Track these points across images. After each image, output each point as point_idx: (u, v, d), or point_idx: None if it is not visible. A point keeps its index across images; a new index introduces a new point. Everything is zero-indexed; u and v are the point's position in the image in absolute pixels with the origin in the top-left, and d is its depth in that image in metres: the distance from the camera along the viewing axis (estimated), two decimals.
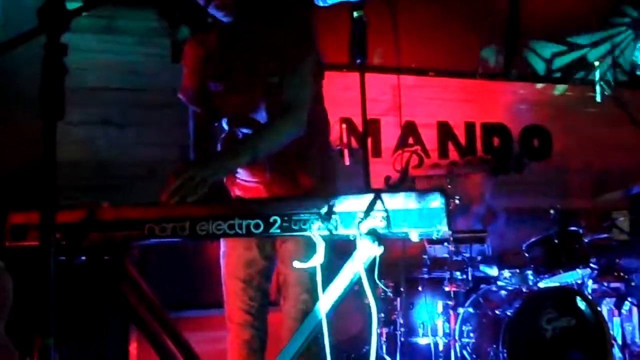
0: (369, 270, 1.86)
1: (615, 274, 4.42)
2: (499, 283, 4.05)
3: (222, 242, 2.14)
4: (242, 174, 2.10)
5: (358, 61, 2.24)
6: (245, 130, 2.09)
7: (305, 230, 1.38)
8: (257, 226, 1.40)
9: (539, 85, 5.48)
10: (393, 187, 4.91)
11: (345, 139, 4.51)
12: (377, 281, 1.49)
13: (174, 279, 3.07)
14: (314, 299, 1.93)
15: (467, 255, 4.09)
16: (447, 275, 3.94)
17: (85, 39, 4.46)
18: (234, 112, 2.08)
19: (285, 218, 1.38)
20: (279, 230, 1.42)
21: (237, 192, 2.16)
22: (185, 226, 1.39)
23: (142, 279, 1.62)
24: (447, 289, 3.90)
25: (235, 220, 1.38)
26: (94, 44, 4.47)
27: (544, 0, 5.27)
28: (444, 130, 5.31)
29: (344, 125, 4.69)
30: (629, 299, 4.22)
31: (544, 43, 5.39)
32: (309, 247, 1.93)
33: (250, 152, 1.81)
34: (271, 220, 1.40)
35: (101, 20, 4.49)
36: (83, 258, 1.47)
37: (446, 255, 4.02)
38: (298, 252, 1.96)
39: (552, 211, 4.11)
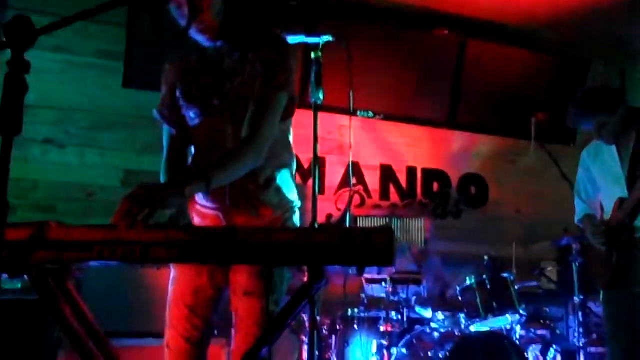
0: (312, 303, 1.90)
1: (542, 321, 4.59)
2: (433, 325, 4.12)
3: (173, 267, 2.11)
4: (202, 200, 2.08)
5: (313, 100, 2.32)
6: (211, 156, 2.08)
7: (255, 260, 1.40)
8: (208, 253, 1.41)
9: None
10: (335, 225, 4.96)
11: None
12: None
13: (109, 306, 3.00)
14: None
15: (404, 296, 4.16)
16: (383, 315, 3.99)
17: (31, 56, 4.38)
18: (203, 137, 2.08)
19: (237, 247, 1.40)
20: (227, 259, 1.44)
21: (195, 218, 2.13)
22: (136, 250, 1.39)
23: (84, 303, 1.60)
24: (382, 328, 3.95)
25: (186, 247, 1.39)
26: (41, 61, 4.39)
27: (489, 55, 5.54)
28: (387, 173, 5.45)
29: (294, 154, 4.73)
30: (554, 346, 4.37)
31: None
32: (261, 279, 1.95)
33: (204, 181, 1.79)
34: (221, 248, 1.41)
35: (51, 38, 4.42)
36: (26, 277, 1.45)
37: (383, 295, 4.08)
38: (250, 283, 1.96)
39: (486, 257, 4.25)
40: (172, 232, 1.40)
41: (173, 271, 2.10)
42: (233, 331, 2.00)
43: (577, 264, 4.15)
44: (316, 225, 1.87)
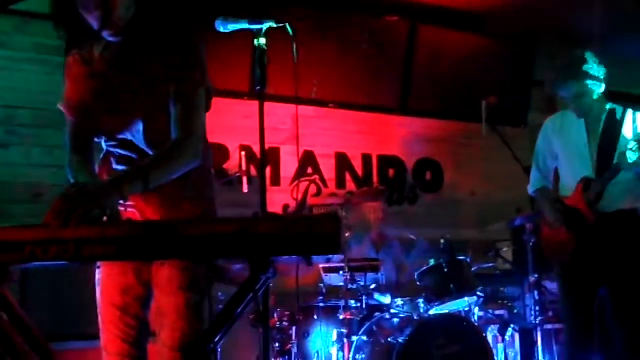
0: (263, 296, 1.86)
1: (500, 301, 4.66)
2: (392, 311, 4.13)
3: (98, 269, 2.06)
4: None
5: (257, 88, 2.27)
6: (121, 152, 2.04)
7: (192, 254, 1.36)
8: (147, 249, 1.36)
9: None
10: (291, 215, 4.94)
11: (244, 167, 4.50)
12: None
13: (53, 308, 2.90)
14: (193, 327, 1.90)
15: (362, 283, 4.15)
16: (342, 303, 3.97)
17: None
18: (113, 131, 2.03)
19: (173, 241, 1.35)
20: (167, 253, 1.39)
21: None
22: (69, 248, 1.33)
23: (21, 308, 1.53)
24: (341, 317, 3.93)
25: (124, 243, 1.33)
26: None
27: (439, 41, 5.56)
28: (342, 161, 5.44)
29: (243, 153, 4.68)
30: (512, 325, 4.44)
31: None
32: (187, 272, 1.91)
33: (142, 181, 1.74)
34: (154, 243, 1.36)
35: None
36: None
37: (342, 283, 4.07)
38: (175, 277, 1.92)
39: (442, 241, 4.28)
40: (108, 228, 1.34)
41: (98, 273, 2.05)
42: (158, 328, 1.95)
43: (531, 243, 4.21)
44: (259, 215, 1.84)
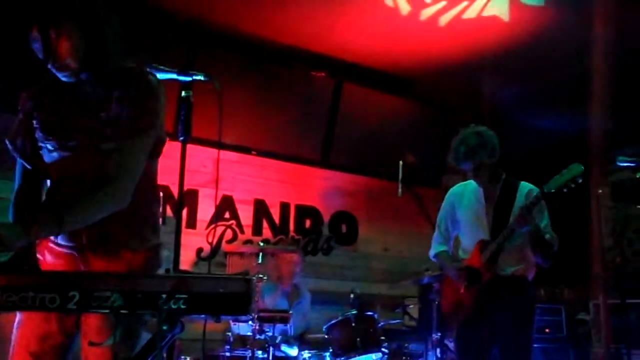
0: (168, 349, 1.84)
1: (404, 357, 4.74)
2: None
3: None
4: (56, 237, 1.96)
5: (181, 138, 2.28)
6: (66, 191, 1.99)
7: (105, 307, 1.35)
8: (52, 300, 1.33)
9: None
10: (204, 259, 4.89)
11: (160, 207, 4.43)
12: None
13: None
14: None
15: (270, 334, 4.14)
16: (248, 354, 3.95)
17: None
18: (60, 171, 1.99)
19: (85, 294, 1.34)
20: (76, 306, 1.37)
21: (48, 256, 1.99)
22: None
23: None
24: None
25: (28, 293, 1.30)
26: None
27: (363, 99, 5.77)
28: (260, 208, 5.46)
29: (160, 193, 4.61)
30: None
31: None
32: (114, 323, 1.86)
33: (56, 223, 1.69)
34: (69, 295, 1.35)
35: None
36: None
37: (250, 333, 4.04)
38: (102, 328, 1.87)
39: (351, 295, 4.35)
40: (13, 277, 1.31)
41: (18, 314, 1.96)
42: None
43: (437, 302, 4.35)
44: (170, 272, 1.82)
